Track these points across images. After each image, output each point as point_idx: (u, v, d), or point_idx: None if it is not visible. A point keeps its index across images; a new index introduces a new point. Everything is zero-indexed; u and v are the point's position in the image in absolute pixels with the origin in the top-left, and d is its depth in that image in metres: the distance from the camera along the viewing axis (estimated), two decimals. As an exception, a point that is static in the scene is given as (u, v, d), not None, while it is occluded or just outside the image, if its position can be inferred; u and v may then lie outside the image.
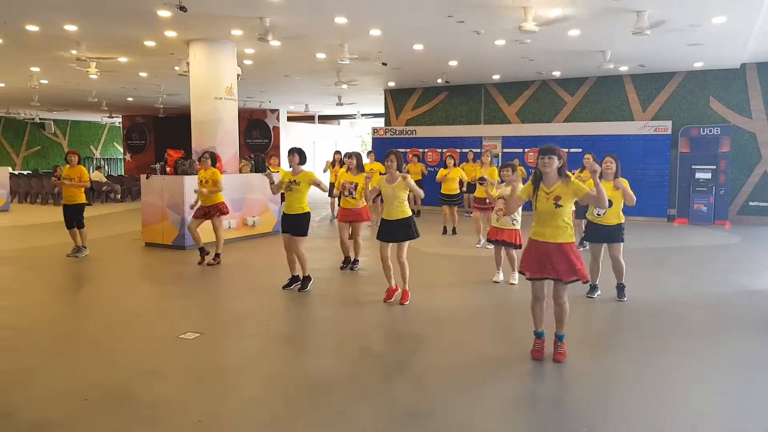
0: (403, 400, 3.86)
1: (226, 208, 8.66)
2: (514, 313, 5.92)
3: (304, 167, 6.79)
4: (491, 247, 8.33)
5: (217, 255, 8.49)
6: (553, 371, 4.40)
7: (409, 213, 6.19)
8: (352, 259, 8.20)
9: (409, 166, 14.14)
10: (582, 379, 4.25)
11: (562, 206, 4.41)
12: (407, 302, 6.21)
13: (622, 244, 6.34)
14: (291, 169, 6.78)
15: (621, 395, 3.99)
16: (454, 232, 11.46)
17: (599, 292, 6.62)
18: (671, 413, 3.71)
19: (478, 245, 10.02)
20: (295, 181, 6.70)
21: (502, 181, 7.13)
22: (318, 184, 6.80)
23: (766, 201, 14.03)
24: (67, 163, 9.14)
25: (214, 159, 8.65)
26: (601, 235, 6.37)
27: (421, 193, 6.24)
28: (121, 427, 3.46)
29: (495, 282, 7.31)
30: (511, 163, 7.17)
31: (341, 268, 8.14)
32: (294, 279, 6.99)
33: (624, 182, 6.23)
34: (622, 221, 6.30)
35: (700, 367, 4.58)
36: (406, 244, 6.16)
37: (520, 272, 4.78)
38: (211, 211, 8.47)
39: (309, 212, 6.80)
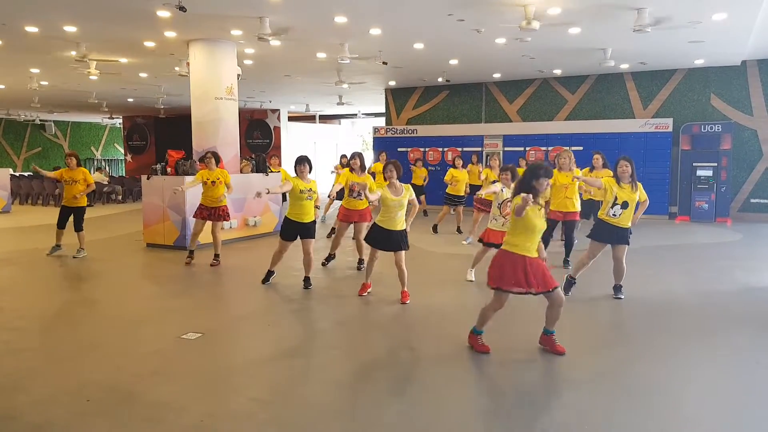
0: (404, 398, 3.85)
1: (228, 214, 8.63)
2: (517, 312, 5.91)
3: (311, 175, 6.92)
4: (469, 241, 8.44)
5: (216, 256, 8.49)
6: (553, 368, 4.40)
7: (404, 226, 6.36)
8: (334, 257, 8.40)
9: (414, 170, 14.23)
10: (582, 378, 4.24)
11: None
12: (408, 301, 6.30)
13: (627, 246, 6.26)
14: (296, 175, 6.81)
15: (622, 394, 3.98)
16: (458, 230, 11.46)
17: (575, 285, 6.58)
18: (673, 412, 3.70)
19: (465, 242, 10.16)
20: (311, 188, 6.82)
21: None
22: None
23: (767, 198, 14.01)
24: (66, 166, 9.12)
25: (218, 159, 8.61)
26: (610, 235, 6.21)
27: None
28: (123, 428, 3.45)
29: (470, 281, 7.32)
30: (510, 166, 7.11)
31: (323, 264, 8.21)
32: (271, 273, 7.18)
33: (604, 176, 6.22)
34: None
35: (702, 365, 4.57)
36: (402, 253, 6.34)
37: (495, 287, 4.53)
38: (214, 213, 8.41)
39: None
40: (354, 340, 5.23)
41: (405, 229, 6.34)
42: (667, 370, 4.38)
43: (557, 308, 4.60)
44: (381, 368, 4.48)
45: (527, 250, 4.48)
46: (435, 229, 11.55)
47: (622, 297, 6.42)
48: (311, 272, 7.02)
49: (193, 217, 8.64)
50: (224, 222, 8.71)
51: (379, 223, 6.30)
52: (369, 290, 6.68)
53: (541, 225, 4.50)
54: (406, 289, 6.41)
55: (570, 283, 6.55)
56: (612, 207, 6.13)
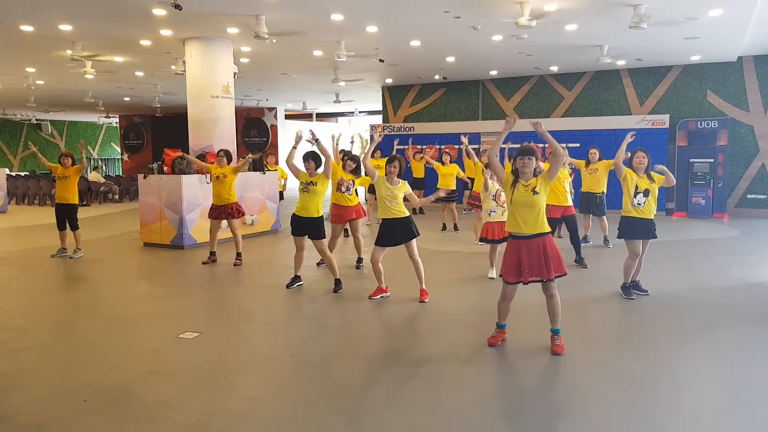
0: (403, 397, 3.85)
1: (242, 209, 8.64)
2: (516, 309, 5.90)
3: (320, 170, 6.70)
4: (481, 243, 8.31)
5: (238, 254, 8.47)
6: (554, 365, 4.40)
7: (407, 213, 6.17)
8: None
9: (412, 163, 14.22)
10: (581, 374, 4.24)
11: (539, 193, 4.49)
12: (426, 300, 6.18)
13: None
14: (307, 172, 6.69)
15: (620, 390, 3.98)
16: (455, 228, 11.46)
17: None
18: (671, 408, 3.70)
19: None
20: (312, 182, 6.60)
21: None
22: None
23: (763, 193, 14.04)
24: (61, 165, 9.17)
25: (230, 158, 8.74)
26: (641, 230, 6.08)
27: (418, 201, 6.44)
28: (121, 428, 3.45)
29: (491, 278, 7.32)
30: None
31: (318, 264, 8.15)
32: (297, 279, 6.96)
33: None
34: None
35: (700, 361, 4.58)
36: (414, 242, 6.14)
37: (500, 276, 4.71)
38: (224, 211, 8.42)
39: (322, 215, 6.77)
40: (353, 339, 5.22)
41: (407, 217, 6.12)
42: (664, 366, 4.38)
43: (550, 298, 4.61)
44: (382, 366, 4.47)
45: (518, 227, 4.51)
46: (455, 227, 11.50)
47: (648, 292, 6.34)
48: (337, 275, 6.77)
49: (208, 217, 8.69)
50: (244, 217, 8.77)
51: (381, 216, 6.21)
52: (386, 294, 6.38)
53: (525, 200, 4.48)
54: (424, 286, 6.24)
55: (627, 288, 6.32)
56: (635, 196, 6.02)
